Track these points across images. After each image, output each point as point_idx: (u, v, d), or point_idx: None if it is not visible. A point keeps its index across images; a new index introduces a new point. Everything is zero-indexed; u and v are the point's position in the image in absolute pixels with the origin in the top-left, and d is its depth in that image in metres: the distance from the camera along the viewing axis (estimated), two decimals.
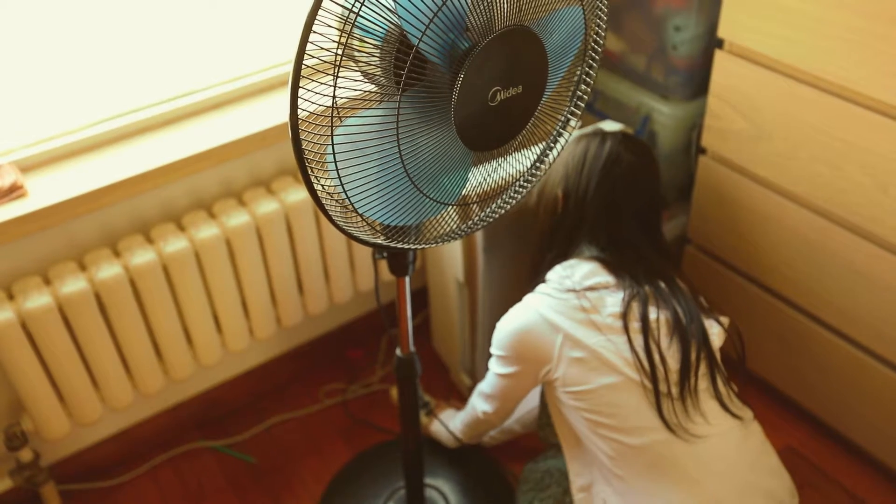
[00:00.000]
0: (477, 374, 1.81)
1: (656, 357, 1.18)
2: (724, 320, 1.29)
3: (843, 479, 1.68)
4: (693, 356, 1.20)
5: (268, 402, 1.93)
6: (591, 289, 1.23)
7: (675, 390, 1.19)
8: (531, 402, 1.60)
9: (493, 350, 1.35)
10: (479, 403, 1.49)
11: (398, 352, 1.36)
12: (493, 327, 1.71)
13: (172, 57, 1.54)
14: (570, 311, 1.22)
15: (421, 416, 1.79)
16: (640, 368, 1.18)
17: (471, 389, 1.85)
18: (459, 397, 1.90)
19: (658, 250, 1.34)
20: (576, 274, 1.26)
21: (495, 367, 1.37)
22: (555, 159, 1.16)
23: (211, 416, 1.88)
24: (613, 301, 1.22)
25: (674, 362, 1.20)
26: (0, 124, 1.42)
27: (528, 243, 1.65)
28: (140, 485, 1.76)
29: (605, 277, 1.25)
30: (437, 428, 1.70)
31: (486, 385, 1.43)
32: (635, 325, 1.20)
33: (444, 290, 1.80)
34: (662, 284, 1.26)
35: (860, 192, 1.44)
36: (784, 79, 1.48)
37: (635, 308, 1.21)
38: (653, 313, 1.22)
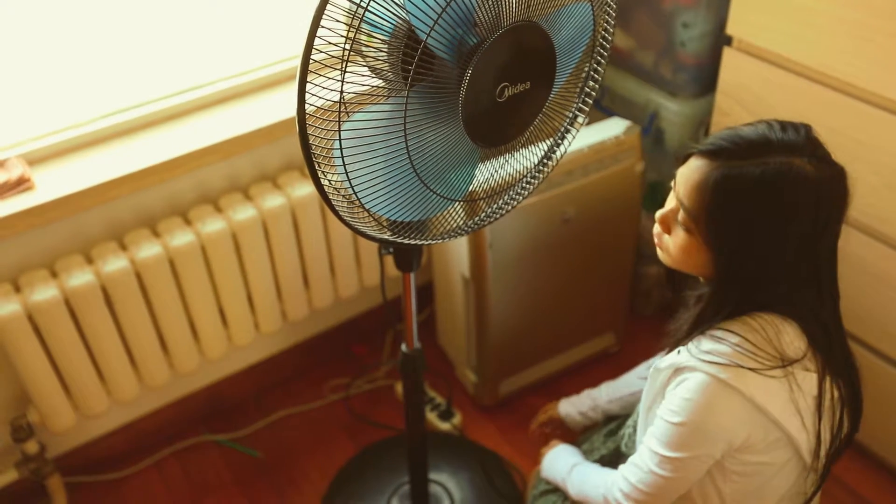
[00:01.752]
0: (480, 371, 1.81)
1: (832, 442, 1.05)
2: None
3: (849, 479, 1.68)
4: (852, 435, 1.09)
5: (273, 396, 1.93)
6: (795, 361, 1.01)
7: (823, 469, 1.08)
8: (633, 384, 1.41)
9: (664, 451, 1.04)
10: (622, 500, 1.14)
11: (403, 347, 1.36)
12: (500, 324, 1.72)
13: (180, 51, 1.54)
14: (778, 389, 0.99)
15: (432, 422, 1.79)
16: (815, 454, 1.04)
17: (475, 385, 1.85)
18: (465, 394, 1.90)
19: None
20: (783, 338, 1.00)
21: (662, 469, 1.06)
22: (562, 157, 1.15)
23: (216, 409, 1.88)
24: (811, 381, 1.02)
25: (839, 441, 1.07)
26: (8, 117, 1.42)
27: (534, 239, 1.64)
28: (145, 478, 1.76)
29: (804, 343, 1.02)
30: (548, 466, 1.38)
31: (636, 486, 1.09)
32: (825, 405, 1.03)
33: (450, 286, 1.80)
34: (838, 348, 1.06)
35: (870, 192, 1.43)
36: (793, 76, 1.47)
37: (828, 388, 1.03)
38: (835, 390, 1.05)
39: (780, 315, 1.02)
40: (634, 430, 1.24)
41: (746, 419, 0.99)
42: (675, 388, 1.03)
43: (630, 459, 1.11)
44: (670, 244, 1.07)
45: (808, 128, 1.01)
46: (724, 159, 0.98)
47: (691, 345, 1.02)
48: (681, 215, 1.02)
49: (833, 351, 1.04)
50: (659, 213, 1.07)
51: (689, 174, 1.00)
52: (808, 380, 1.01)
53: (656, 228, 1.09)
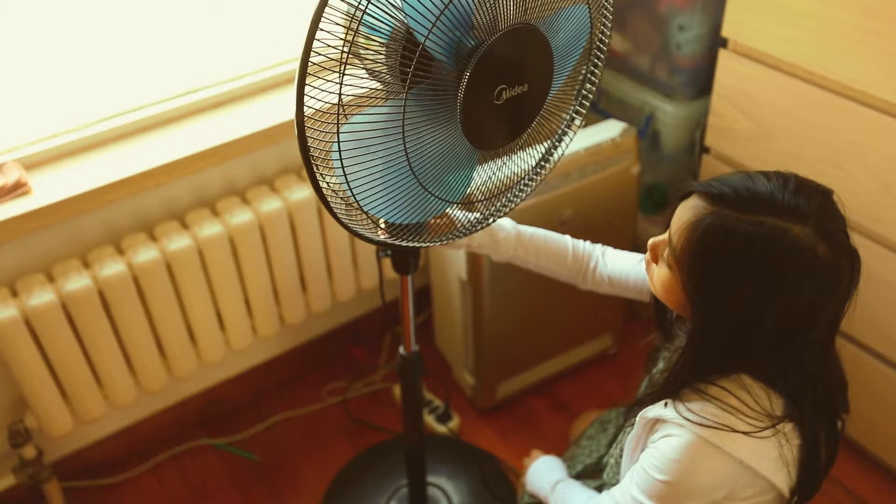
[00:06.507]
0: (478, 373, 1.81)
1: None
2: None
3: (845, 479, 1.68)
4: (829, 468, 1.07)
5: (270, 399, 1.93)
6: (784, 417, 0.97)
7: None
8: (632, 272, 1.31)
9: (647, 501, 1.01)
10: None
11: (401, 350, 1.36)
12: (497, 326, 1.72)
13: (176, 54, 1.54)
14: (768, 449, 0.97)
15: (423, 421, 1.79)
16: (794, 490, 1.01)
17: (473, 388, 1.85)
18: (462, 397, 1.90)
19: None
20: (774, 404, 0.97)
21: None
22: (559, 159, 1.15)
23: (214, 413, 1.88)
24: (796, 431, 0.99)
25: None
26: (4, 122, 1.42)
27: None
28: (143, 482, 1.76)
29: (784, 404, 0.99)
30: (531, 479, 1.38)
31: None
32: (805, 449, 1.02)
33: (447, 289, 1.80)
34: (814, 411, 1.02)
35: (864, 193, 1.44)
36: (788, 78, 1.48)
37: (809, 436, 1.00)
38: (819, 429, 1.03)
39: (761, 378, 0.98)
40: (616, 463, 1.22)
41: (733, 477, 0.96)
42: (658, 440, 0.99)
43: (612, 494, 1.08)
44: (654, 275, 1.03)
45: (827, 195, 0.93)
46: (721, 206, 0.92)
47: (679, 402, 0.98)
48: (667, 251, 0.98)
49: (808, 415, 0.99)
50: (651, 241, 1.04)
51: (684, 211, 0.96)
52: (795, 429, 0.98)
53: (647, 254, 1.06)
